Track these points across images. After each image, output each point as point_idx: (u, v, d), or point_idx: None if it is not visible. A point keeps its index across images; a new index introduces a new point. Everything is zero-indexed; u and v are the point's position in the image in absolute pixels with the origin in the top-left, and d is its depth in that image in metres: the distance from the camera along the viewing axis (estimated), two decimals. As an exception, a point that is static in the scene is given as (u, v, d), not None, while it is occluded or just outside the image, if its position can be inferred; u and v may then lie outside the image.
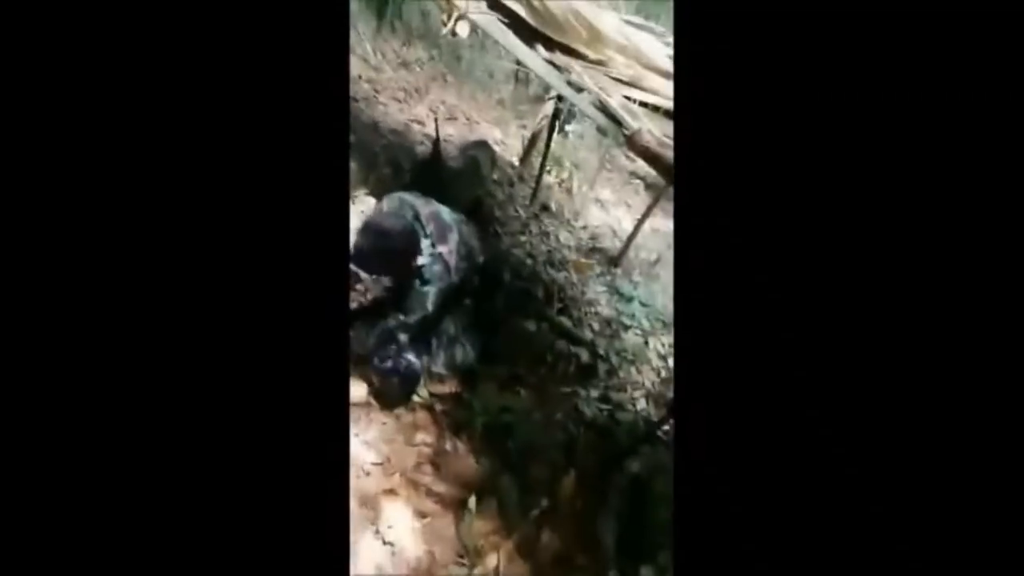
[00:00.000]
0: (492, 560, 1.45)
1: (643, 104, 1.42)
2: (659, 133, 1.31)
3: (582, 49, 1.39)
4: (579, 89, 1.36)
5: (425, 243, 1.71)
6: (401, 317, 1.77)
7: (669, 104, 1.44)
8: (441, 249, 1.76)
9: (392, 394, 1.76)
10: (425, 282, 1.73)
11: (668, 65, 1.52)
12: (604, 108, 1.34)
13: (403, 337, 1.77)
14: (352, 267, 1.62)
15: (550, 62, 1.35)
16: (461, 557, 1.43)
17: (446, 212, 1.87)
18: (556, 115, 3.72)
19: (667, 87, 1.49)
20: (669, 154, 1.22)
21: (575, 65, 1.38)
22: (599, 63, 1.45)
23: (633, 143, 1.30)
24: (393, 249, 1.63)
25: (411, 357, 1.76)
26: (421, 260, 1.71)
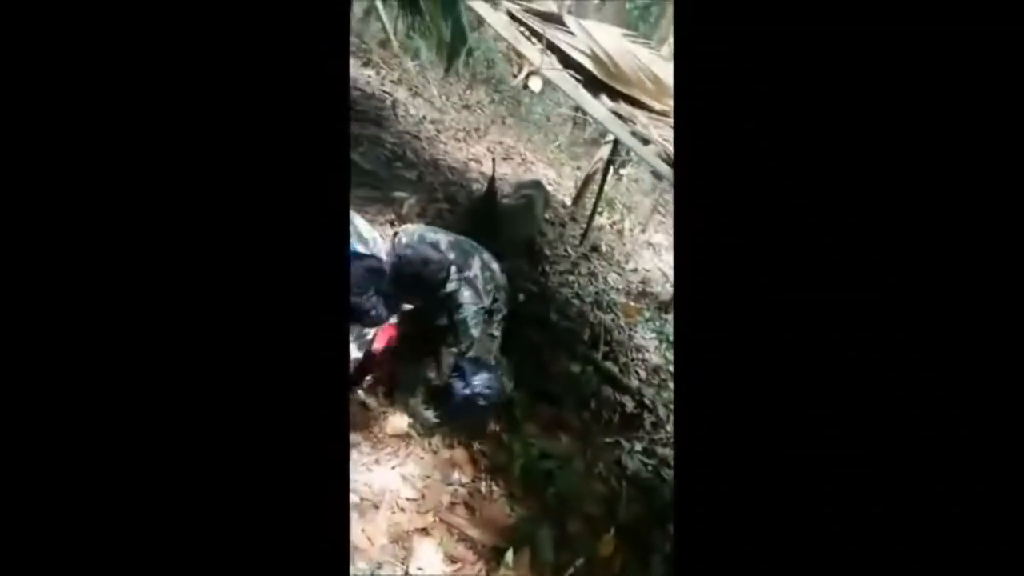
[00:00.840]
0: (522, 619, 1.36)
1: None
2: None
3: (647, 100, 1.41)
4: (645, 141, 1.37)
5: (452, 269, 1.75)
6: (454, 350, 1.80)
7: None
8: (467, 273, 1.80)
9: (472, 423, 1.80)
10: (459, 307, 1.77)
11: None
12: (669, 160, 1.34)
13: (466, 366, 1.81)
14: (382, 303, 1.66)
15: (615, 112, 1.37)
16: (490, 612, 1.36)
17: (463, 239, 1.92)
18: (612, 158, 3.76)
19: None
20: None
21: (639, 116, 1.39)
22: (663, 114, 1.45)
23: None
24: (422, 275, 1.67)
25: (481, 384, 1.78)
26: (451, 286, 1.75)
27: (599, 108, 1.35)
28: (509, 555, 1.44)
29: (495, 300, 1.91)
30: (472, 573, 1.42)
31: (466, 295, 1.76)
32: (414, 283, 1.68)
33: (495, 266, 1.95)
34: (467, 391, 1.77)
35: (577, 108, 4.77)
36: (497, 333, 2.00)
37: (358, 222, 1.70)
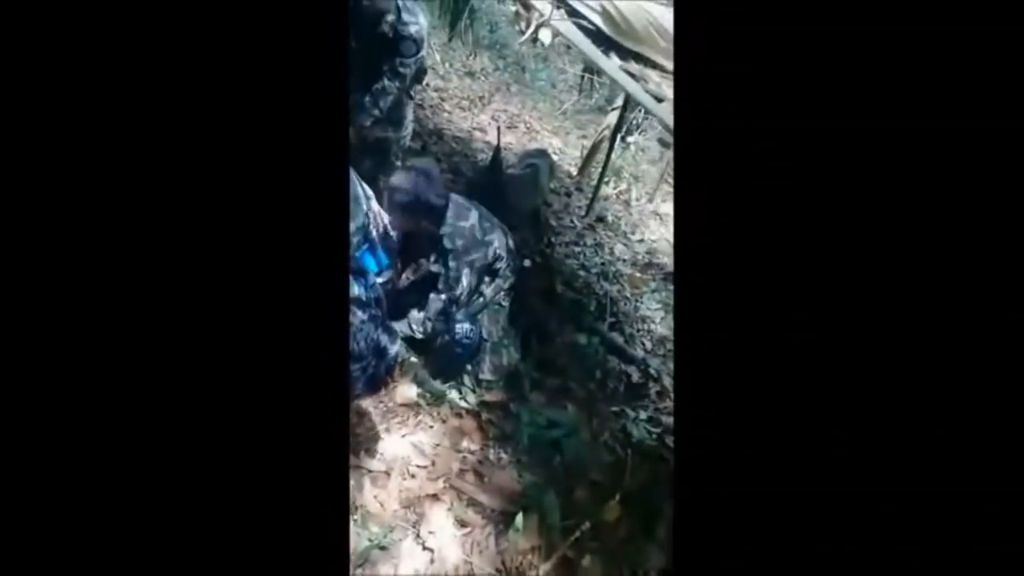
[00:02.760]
0: (531, 579, 1.41)
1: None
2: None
3: (659, 59, 1.35)
4: (659, 99, 1.32)
5: (448, 215, 1.80)
6: (443, 296, 1.87)
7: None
8: (463, 223, 1.83)
9: (450, 365, 1.87)
10: (451, 252, 1.81)
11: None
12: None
13: (455, 312, 1.88)
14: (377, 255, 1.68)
15: (626, 71, 1.32)
16: (499, 571, 1.40)
17: (457, 196, 1.96)
18: (618, 126, 3.66)
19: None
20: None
21: (652, 75, 1.34)
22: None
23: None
24: (419, 194, 1.72)
25: (462, 333, 1.85)
26: (446, 229, 1.79)
27: (609, 63, 1.29)
28: (519, 519, 1.48)
29: (497, 264, 1.94)
30: (482, 536, 1.47)
31: (459, 243, 1.80)
32: (412, 202, 1.71)
33: (494, 223, 1.96)
34: (447, 337, 1.85)
35: (583, 73, 4.62)
36: (505, 303, 2.00)
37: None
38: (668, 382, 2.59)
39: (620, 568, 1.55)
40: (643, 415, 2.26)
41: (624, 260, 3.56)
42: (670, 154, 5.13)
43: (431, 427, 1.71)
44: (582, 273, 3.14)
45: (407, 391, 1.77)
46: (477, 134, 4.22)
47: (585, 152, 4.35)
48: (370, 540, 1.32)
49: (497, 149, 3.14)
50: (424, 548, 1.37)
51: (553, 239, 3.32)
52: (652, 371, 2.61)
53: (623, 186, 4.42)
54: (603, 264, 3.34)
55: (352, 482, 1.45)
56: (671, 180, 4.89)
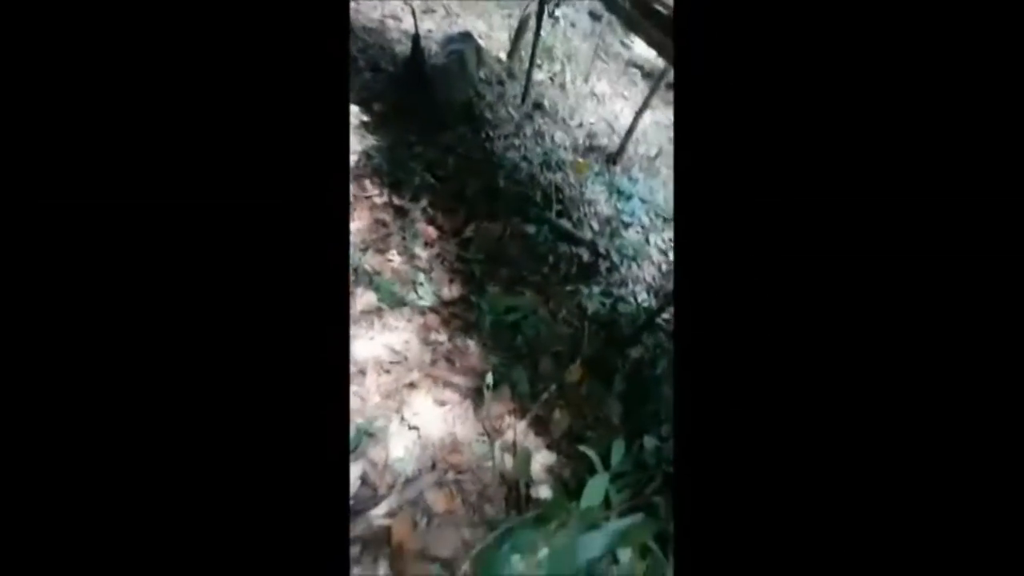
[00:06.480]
0: (509, 435, 1.60)
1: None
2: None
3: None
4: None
5: None
6: None
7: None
8: None
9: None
10: None
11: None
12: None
13: None
14: None
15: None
16: (481, 435, 1.58)
17: None
18: (544, -2, 3.39)
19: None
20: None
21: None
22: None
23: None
24: None
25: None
26: None
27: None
28: (489, 377, 1.62)
29: None
30: (461, 410, 1.62)
31: None
32: None
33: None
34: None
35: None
36: None
37: None
38: (616, 258, 2.75)
39: (584, 418, 1.77)
40: (596, 290, 2.43)
41: (565, 147, 3.52)
42: (601, 28, 4.85)
43: (397, 327, 1.77)
44: (524, 165, 3.10)
45: (368, 297, 1.80)
46: (391, 23, 3.79)
47: (512, 33, 4.04)
48: (357, 429, 1.43)
49: (416, 38, 2.86)
50: (410, 428, 1.50)
51: (491, 133, 3.21)
52: (601, 250, 2.74)
53: (556, 67, 4.21)
54: (544, 154, 3.30)
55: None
56: (604, 55, 4.69)
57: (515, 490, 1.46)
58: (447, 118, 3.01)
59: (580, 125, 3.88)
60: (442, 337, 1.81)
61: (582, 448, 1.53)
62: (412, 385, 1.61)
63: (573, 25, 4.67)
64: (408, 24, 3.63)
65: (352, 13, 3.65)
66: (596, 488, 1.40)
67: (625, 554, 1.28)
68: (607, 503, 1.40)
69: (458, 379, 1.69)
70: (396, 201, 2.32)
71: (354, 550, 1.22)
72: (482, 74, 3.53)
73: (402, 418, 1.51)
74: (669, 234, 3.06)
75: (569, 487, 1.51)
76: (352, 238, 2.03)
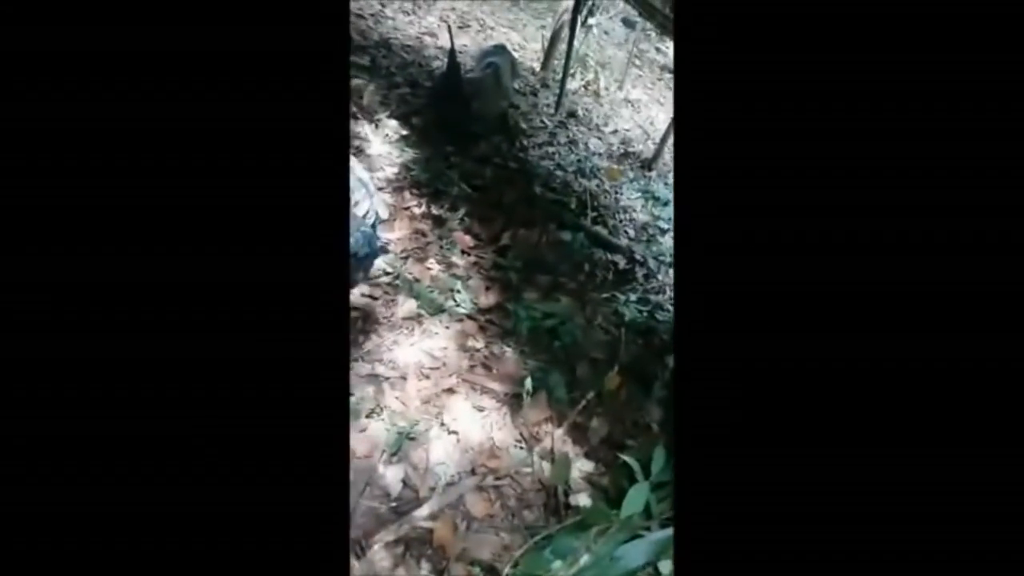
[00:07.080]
0: (547, 442, 1.60)
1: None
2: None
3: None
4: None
5: None
6: None
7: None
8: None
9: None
10: None
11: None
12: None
13: None
14: None
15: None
16: (519, 441, 1.59)
17: None
18: (577, 8, 3.42)
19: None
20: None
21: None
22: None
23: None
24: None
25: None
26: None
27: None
28: (528, 382, 1.62)
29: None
30: (499, 416, 1.63)
31: None
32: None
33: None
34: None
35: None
36: None
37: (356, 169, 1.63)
38: (653, 264, 2.71)
39: (623, 425, 1.75)
40: (633, 297, 2.40)
41: (599, 154, 3.52)
42: (635, 35, 4.83)
43: (436, 333, 1.82)
44: (559, 173, 3.12)
45: (408, 305, 1.86)
46: (428, 39, 3.92)
47: (546, 43, 4.09)
48: (399, 433, 1.47)
49: (452, 53, 2.95)
50: (450, 432, 1.53)
51: (525, 142, 3.25)
52: (638, 257, 2.71)
53: (590, 76, 4.22)
54: (579, 161, 3.31)
55: (373, 388, 1.58)
56: (639, 62, 4.66)
57: (554, 497, 1.46)
58: (483, 130, 3.07)
59: (615, 132, 3.87)
60: (479, 344, 1.84)
61: (623, 456, 1.52)
62: (451, 391, 1.64)
63: (607, 33, 4.68)
64: (444, 40, 3.74)
65: (390, 32, 3.81)
66: (637, 497, 1.38)
67: (666, 566, 1.26)
68: (648, 512, 1.38)
69: (495, 385, 1.71)
70: (435, 211, 2.38)
71: (397, 551, 1.25)
72: (516, 85, 3.59)
73: (442, 423, 1.54)
74: (708, 239, 2.99)
75: (609, 495, 1.49)
76: (393, 247, 2.10)
